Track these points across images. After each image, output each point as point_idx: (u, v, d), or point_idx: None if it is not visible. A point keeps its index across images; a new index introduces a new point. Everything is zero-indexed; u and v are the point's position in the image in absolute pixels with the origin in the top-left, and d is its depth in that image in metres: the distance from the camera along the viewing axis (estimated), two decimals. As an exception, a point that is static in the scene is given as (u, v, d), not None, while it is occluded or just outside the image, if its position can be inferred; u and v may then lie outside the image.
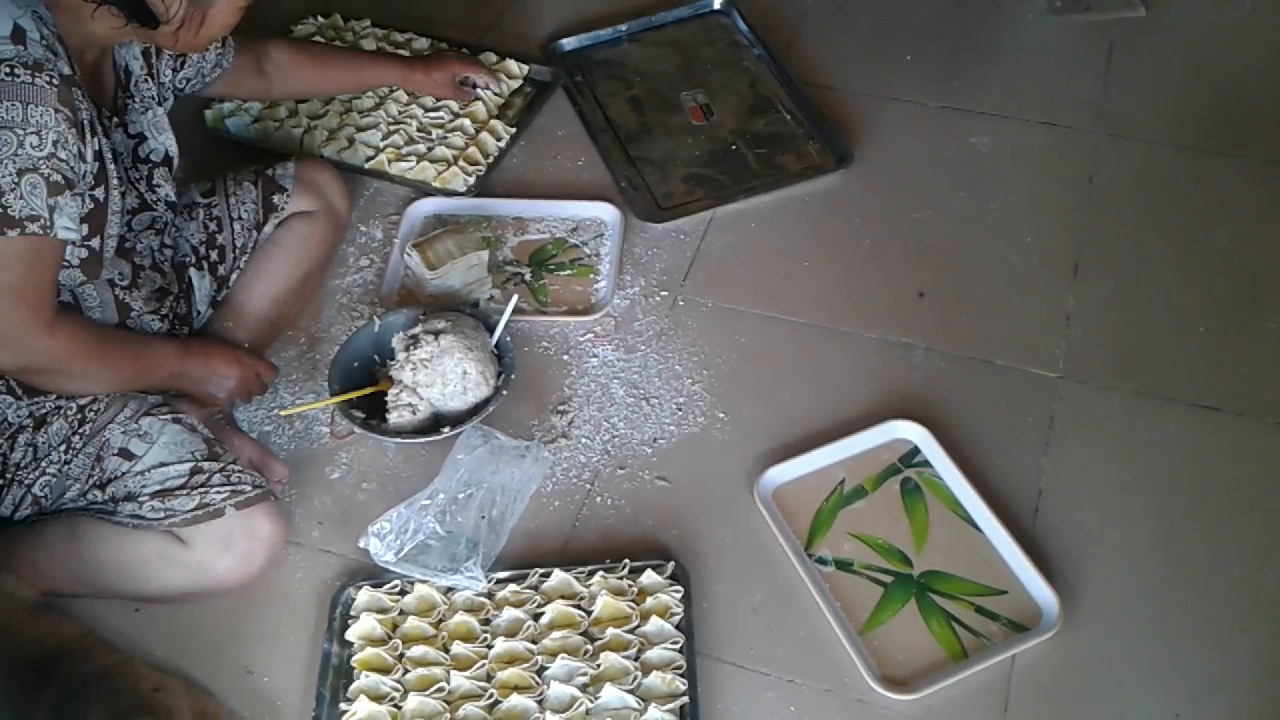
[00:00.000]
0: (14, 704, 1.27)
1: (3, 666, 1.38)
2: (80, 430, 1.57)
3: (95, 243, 1.53)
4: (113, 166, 1.53)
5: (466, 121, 2.26)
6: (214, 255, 1.85)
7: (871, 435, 1.75)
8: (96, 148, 1.48)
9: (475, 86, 2.29)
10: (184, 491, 1.53)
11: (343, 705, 1.48)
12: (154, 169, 1.67)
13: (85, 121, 1.45)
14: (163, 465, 1.55)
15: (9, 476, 1.57)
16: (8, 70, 1.36)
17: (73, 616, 1.55)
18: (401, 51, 2.41)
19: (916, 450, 1.74)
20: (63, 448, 1.56)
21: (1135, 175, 2.18)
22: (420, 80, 2.22)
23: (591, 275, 2.04)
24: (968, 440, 1.75)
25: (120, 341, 1.62)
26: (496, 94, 2.31)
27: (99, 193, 1.50)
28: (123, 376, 1.59)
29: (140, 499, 1.53)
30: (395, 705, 1.47)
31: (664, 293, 2.00)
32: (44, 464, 1.56)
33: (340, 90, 2.23)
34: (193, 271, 1.83)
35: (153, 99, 1.67)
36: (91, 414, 1.58)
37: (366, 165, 2.20)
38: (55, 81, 1.38)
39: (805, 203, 2.15)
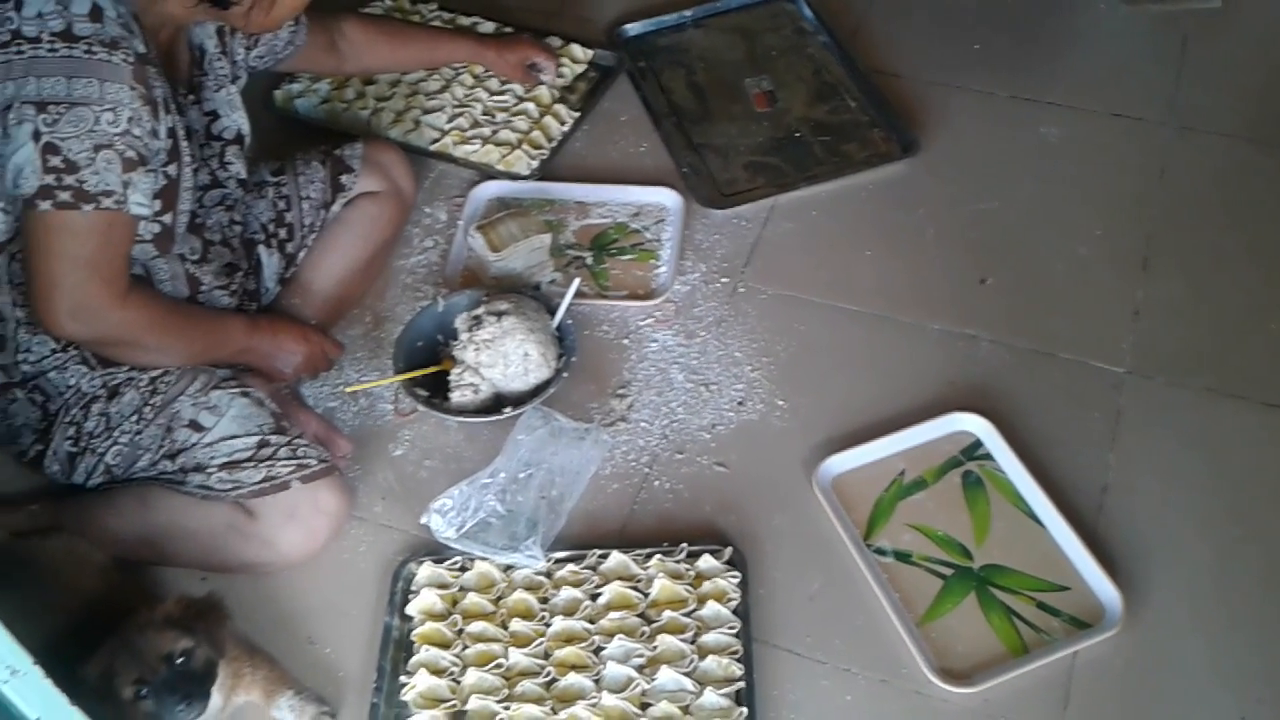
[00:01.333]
0: (77, 665, 1.30)
1: (71, 627, 1.41)
2: (152, 401, 1.60)
3: (168, 218, 1.55)
4: (185, 144, 1.55)
5: (531, 105, 2.27)
6: (282, 233, 1.88)
7: (932, 427, 1.74)
8: (170, 125, 1.51)
9: (540, 73, 2.29)
10: (251, 464, 1.56)
11: (402, 678, 1.50)
12: (226, 146, 1.69)
13: (159, 99, 1.47)
14: (231, 438, 1.57)
15: (83, 445, 1.60)
16: (85, 48, 1.38)
17: (140, 583, 1.58)
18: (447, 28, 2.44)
19: (979, 443, 1.72)
20: (134, 418, 1.60)
21: (1208, 169, 2.14)
22: (493, 59, 2.23)
23: (652, 260, 2.05)
24: (1031, 434, 1.73)
25: (190, 316, 1.65)
26: (552, 86, 2.30)
27: (171, 169, 1.53)
28: (192, 350, 1.62)
29: (209, 470, 1.56)
30: (454, 679, 1.49)
31: (724, 279, 2.00)
32: (116, 434, 1.60)
33: (413, 66, 2.25)
34: (261, 249, 1.85)
35: (226, 77, 1.69)
36: (163, 386, 1.61)
37: (432, 147, 2.22)
38: (131, 59, 1.41)
39: (869, 191, 2.13)
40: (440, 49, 2.20)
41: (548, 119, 2.25)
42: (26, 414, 1.61)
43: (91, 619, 1.43)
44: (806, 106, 2.30)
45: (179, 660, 1.32)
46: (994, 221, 2.07)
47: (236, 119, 1.71)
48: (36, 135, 1.38)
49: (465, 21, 2.46)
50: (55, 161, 1.39)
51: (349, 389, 1.85)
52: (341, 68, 2.04)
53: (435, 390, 1.79)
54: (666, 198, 2.12)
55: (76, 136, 1.39)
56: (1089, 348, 1.85)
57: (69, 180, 1.40)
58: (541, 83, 2.30)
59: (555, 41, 2.41)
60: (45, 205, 1.40)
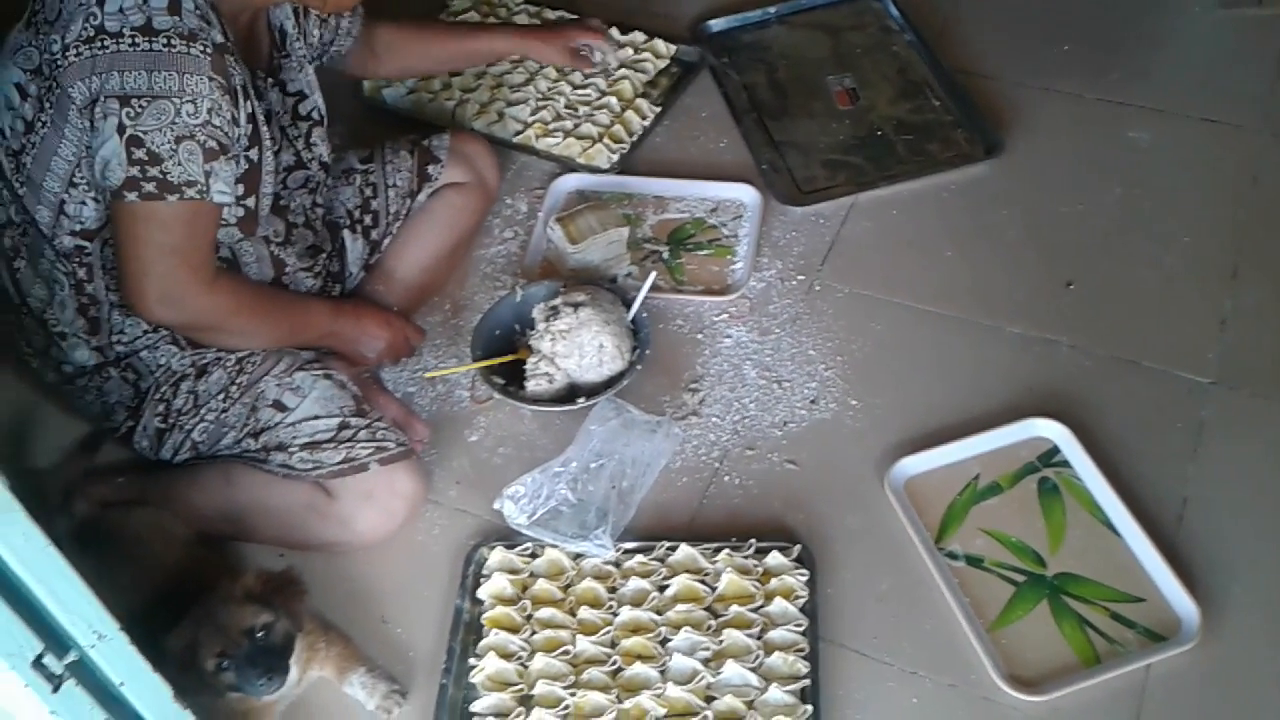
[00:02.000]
0: (159, 632, 1.34)
1: (155, 596, 1.46)
2: (238, 380, 1.64)
3: (251, 202, 1.59)
4: (265, 128, 1.58)
5: (613, 99, 2.28)
6: (368, 220, 1.91)
7: (1009, 432, 1.72)
8: (250, 110, 1.53)
9: (593, 53, 2.24)
10: (331, 445, 1.59)
11: (472, 660, 1.52)
12: (313, 127, 1.72)
13: (238, 87, 1.49)
14: (313, 419, 1.61)
15: (171, 422, 1.65)
16: (165, 41, 1.41)
17: (221, 556, 1.63)
18: (535, 23, 2.45)
19: (1056, 450, 1.70)
20: (221, 396, 1.64)
21: (1304, 178, 2.09)
22: (538, 48, 2.19)
23: (729, 256, 2.05)
24: (1110, 442, 1.70)
25: (276, 300, 1.69)
26: (610, 66, 2.27)
27: (253, 154, 1.56)
28: (277, 334, 1.66)
29: (290, 449, 1.60)
30: (522, 664, 1.51)
31: (800, 276, 2.00)
32: (203, 411, 1.64)
33: (450, 63, 2.20)
34: (346, 234, 1.89)
35: (305, 58, 1.72)
36: (249, 366, 1.65)
37: (514, 139, 2.24)
38: (209, 50, 1.43)
39: (951, 192, 2.11)
40: (478, 42, 2.15)
41: (629, 113, 2.26)
42: (119, 392, 1.66)
43: (173, 591, 1.48)
44: (889, 105, 2.28)
45: (259, 634, 1.36)
46: (1078, 226, 2.04)
47: (317, 99, 1.73)
48: (121, 129, 1.41)
49: (551, 15, 2.48)
50: (139, 154, 1.42)
51: (428, 375, 1.88)
52: (379, 70, 2.02)
53: (511, 379, 1.82)
54: (745, 194, 2.12)
55: (159, 129, 1.41)
56: (1173, 356, 1.82)
57: (153, 172, 1.43)
58: (595, 64, 2.25)
59: (638, 36, 2.42)
60: (132, 197, 1.44)
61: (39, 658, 1.08)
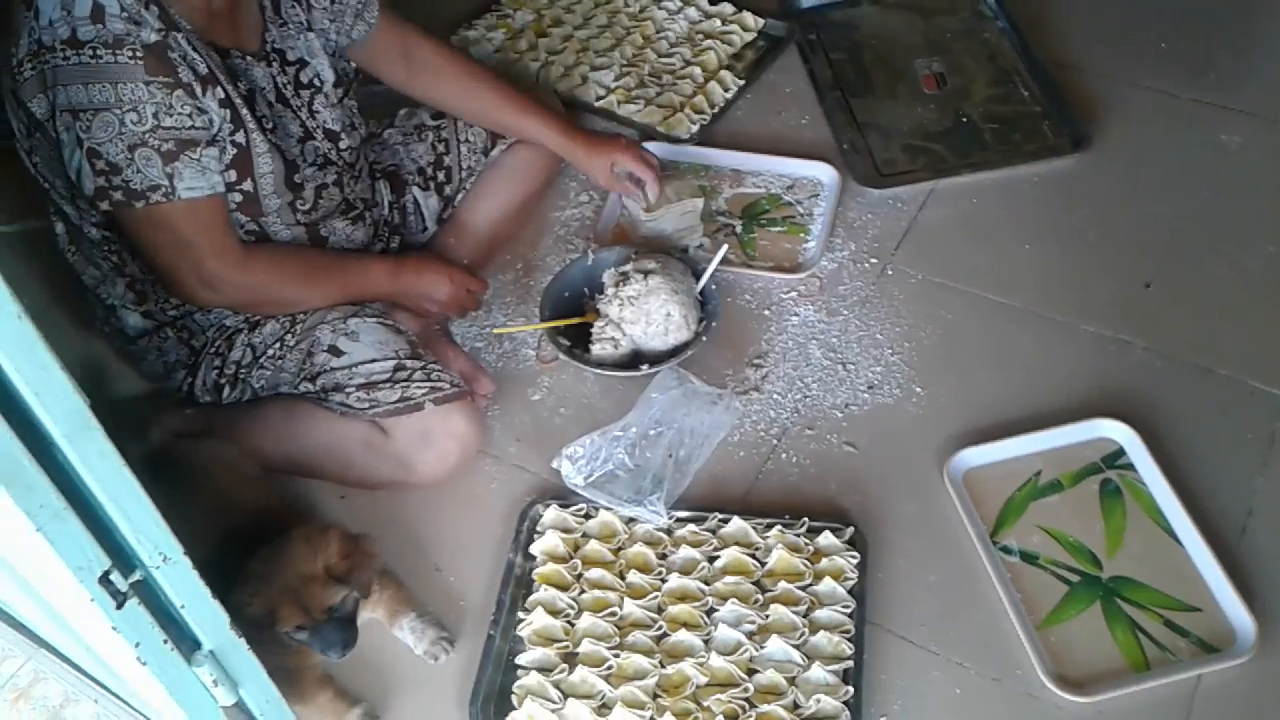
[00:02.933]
0: (228, 565, 1.37)
1: (221, 530, 1.49)
2: (293, 330, 1.67)
3: (248, 186, 1.57)
4: (246, 111, 1.53)
5: (697, 70, 2.28)
6: (440, 176, 1.93)
7: (1075, 430, 1.69)
8: (222, 96, 1.50)
9: (640, 187, 2.00)
10: (388, 385, 1.62)
11: (520, 614, 1.55)
12: (315, 95, 1.67)
13: (193, 79, 1.46)
14: (369, 361, 1.63)
15: (229, 373, 1.69)
16: (91, 52, 1.39)
17: (282, 492, 1.66)
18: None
19: (1121, 451, 1.68)
20: (277, 345, 1.67)
21: (1401, 192, 2.02)
22: (581, 158, 1.95)
23: (802, 234, 2.04)
24: (1178, 448, 1.67)
25: (327, 263, 1.69)
26: (649, 210, 2.02)
27: (239, 138, 1.53)
28: (333, 295, 1.67)
29: (347, 390, 1.62)
30: (569, 621, 1.53)
31: (873, 260, 1.98)
32: (261, 360, 1.68)
33: (481, 120, 1.94)
34: (416, 190, 1.91)
35: (303, 24, 1.66)
36: (302, 316, 1.68)
37: (596, 104, 2.25)
38: (139, 54, 1.40)
39: (1033, 184, 2.08)
40: (521, 120, 1.91)
41: (712, 85, 2.25)
42: (177, 351, 1.70)
43: (236, 523, 1.52)
44: (977, 92, 2.25)
45: (336, 608, 1.39)
46: (1162, 226, 2.00)
47: (318, 66, 1.68)
48: (79, 142, 1.42)
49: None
50: (100, 165, 1.43)
51: (496, 331, 1.90)
52: (407, 84, 1.87)
53: (577, 341, 1.83)
54: (823, 172, 2.11)
55: (109, 140, 1.41)
56: (1250, 366, 1.78)
57: (117, 180, 1.44)
58: (640, 201, 2.02)
59: (727, 8, 2.41)
60: (104, 205, 1.46)
61: (106, 574, 1.12)
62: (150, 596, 1.19)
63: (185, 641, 1.26)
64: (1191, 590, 1.53)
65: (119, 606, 1.15)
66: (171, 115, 1.44)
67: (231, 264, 1.55)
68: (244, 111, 1.54)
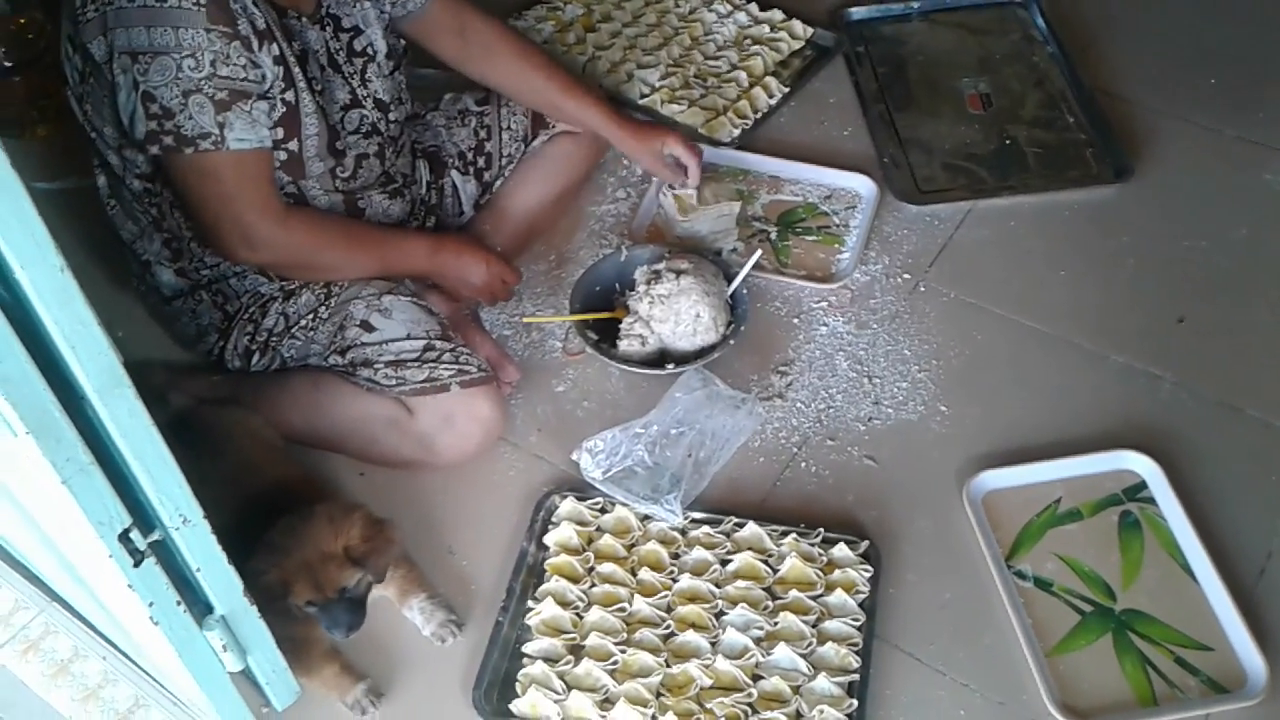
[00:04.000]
0: (245, 532, 1.39)
1: (241, 496, 1.51)
2: (327, 302, 1.68)
3: (293, 145, 1.58)
4: (298, 70, 1.55)
5: (743, 74, 2.27)
6: (480, 161, 1.94)
7: (1097, 460, 1.68)
8: (277, 53, 1.52)
9: (684, 172, 1.99)
10: (416, 364, 1.62)
11: (530, 602, 1.55)
12: (367, 64, 1.68)
13: (252, 32, 1.48)
14: (399, 339, 1.64)
15: (260, 340, 1.70)
16: None
17: (304, 464, 1.67)
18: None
19: (1143, 485, 1.66)
20: (310, 316, 1.68)
21: None
22: (630, 143, 1.94)
23: (837, 245, 2.03)
24: (1200, 486, 1.66)
25: (368, 233, 1.70)
26: (689, 198, 2.03)
27: (289, 96, 1.55)
28: (371, 265, 1.68)
29: (376, 366, 1.63)
30: (578, 613, 1.53)
31: (906, 275, 1.97)
32: (293, 330, 1.69)
33: (533, 101, 1.93)
34: (455, 174, 1.92)
35: None
36: (337, 289, 1.69)
37: (640, 101, 2.25)
38: (202, 2, 1.42)
39: (1073, 211, 2.07)
40: (573, 101, 1.90)
41: (757, 90, 2.25)
42: (210, 315, 1.71)
43: (257, 491, 1.53)
44: (1022, 115, 2.24)
45: (349, 589, 1.40)
46: (1200, 262, 1.98)
47: (373, 35, 1.68)
48: (135, 85, 1.44)
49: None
50: (154, 109, 1.45)
51: (525, 319, 1.91)
52: (463, 61, 1.86)
53: (604, 336, 1.83)
54: (862, 185, 2.10)
55: (165, 85, 1.43)
56: (1279, 408, 1.76)
57: (169, 125, 1.46)
58: (681, 188, 2.02)
59: (777, 15, 2.41)
60: (154, 149, 1.48)
61: (126, 532, 1.13)
62: (167, 557, 1.21)
63: (198, 605, 1.28)
64: (1205, 629, 1.52)
65: (136, 565, 1.16)
66: (228, 65, 1.46)
67: (272, 221, 1.56)
68: (296, 71, 1.55)
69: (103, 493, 1.09)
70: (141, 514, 1.15)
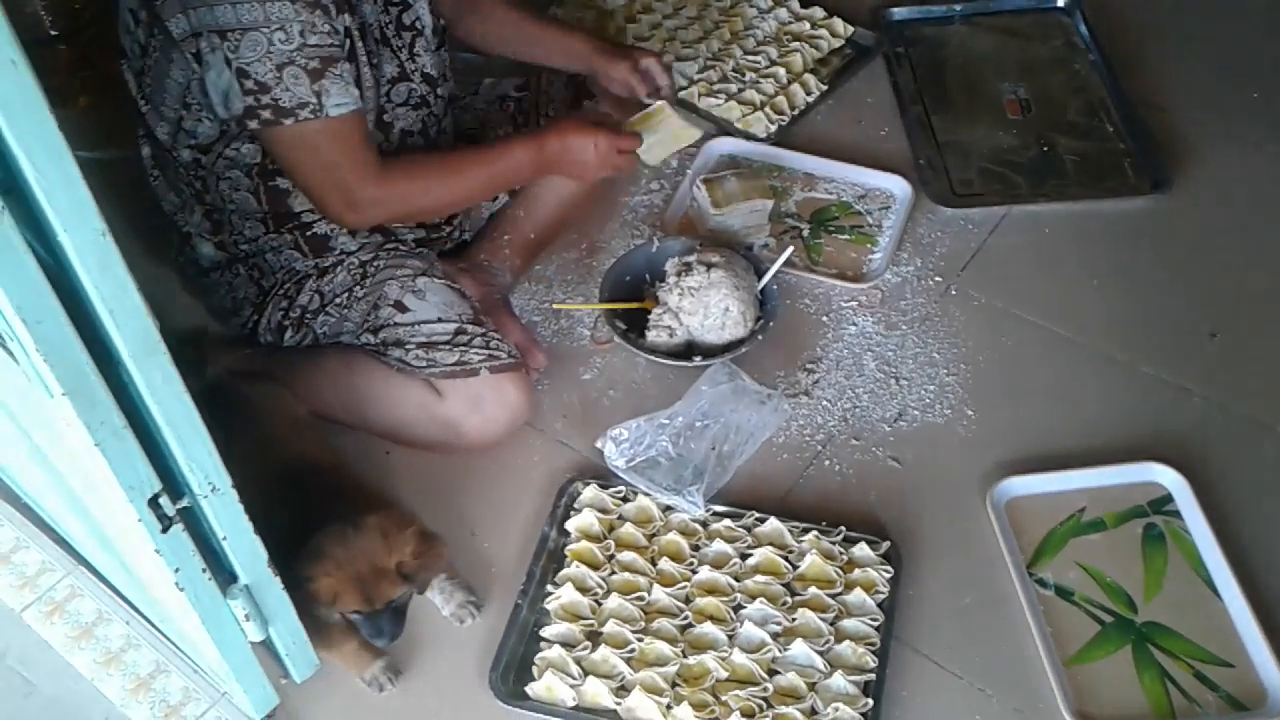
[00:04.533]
0: (268, 505, 1.39)
1: (267, 470, 1.51)
2: (362, 282, 1.69)
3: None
4: (360, 44, 1.58)
5: (781, 71, 2.27)
6: None
7: (1123, 471, 1.68)
8: (347, 23, 1.54)
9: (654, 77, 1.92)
10: (447, 347, 1.63)
11: (549, 587, 1.56)
12: (415, 38, 1.69)
13: (330, 1, 1.49)
14: (432, 321, 1.65)
15: (294, 316, 1.71)
16: None
17: (331, 440, 1.68)
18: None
19: (1169, 498, 1.65)
20: (345, 295, 1.69)
21: None
22: (603, 59, 1.90)
23: (869, 245, 2.03)
24: (1226, 501, 1.64)
25: (465, 163, 1.70)
26: (669, 96, 1.91)
27: (349, 68, 1.56)
28: (479, 193, 1.73)
29: (407, 346, 1.64)
30: (597, 600, 1.53)
31: (938, 278, 1.97)
32: (327, 307, 1.70)
33: (528, 48, 1.94)
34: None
35: None
36: (373, 269, 1.70)
37: (677, 94, 2.24)
38: None
39: (1108, 220, 2.05)
40: (560, 38, 1.92)
41: (795, 87, 2.25)
42: (245, 289, 1.73)
43: (285, 466, 1.54)
44: (1060, 122, 2.22)
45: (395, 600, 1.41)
46: (1234, 277, 1.96)
47: (420, 9, 1.69)
48: (228, 62, 1.46)
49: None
50: (250, 84, 1.47)
51: (555, 306, 1.92)
52: (469, 32, 1.90)
53: (632, 326, 1.84)
54: (896, 186, 2.10)
55: (258, 60, 1.45)
56: (1311, 428, 1.75)
57: (266, 99, 1.47)
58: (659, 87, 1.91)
59: (818, 12, 2.40)
60: (253, 124, 1.50)
61: (155, 497, 1.14)
62: (194, 525, 1.22)
63: (223, 573, 1.29)
64: (1226, 645, 1.51)
65: (164, 530, 1.17)
66: (315, 33, 1.47)
67: (371, 181, 1.57)
68: (359, 44, 1.57)
69: (134, 457, 1.10)
70: (171, 480, 1.16)
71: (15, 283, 0.93)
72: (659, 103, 1.83)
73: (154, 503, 1.14)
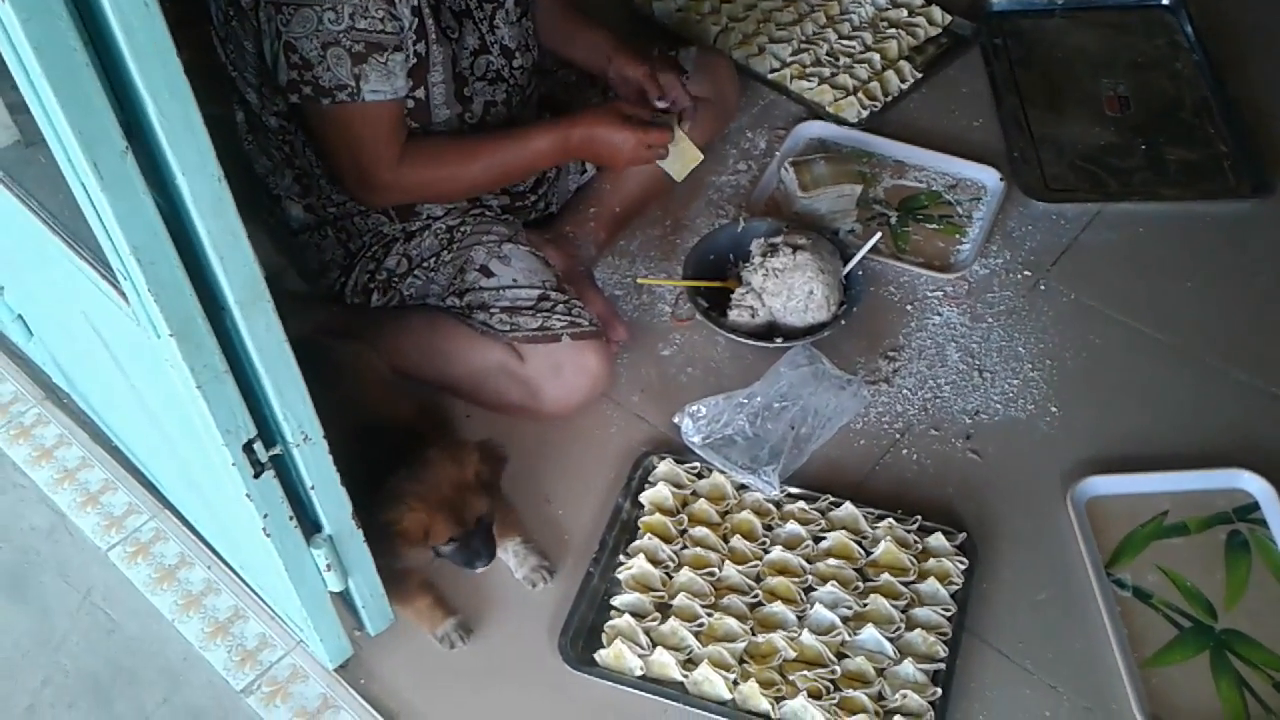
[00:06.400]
0: (350, 461, 1.42)
1: (351, 427, 1.54)
2: (450, 247, 1.71)
3: (420, 93, 1.61)
4: (431, 21, 1.57)
5: (876, 56, 2.25)
6: None
7: (1209, 476, 1.64)
8: (414, 3, 1.54)
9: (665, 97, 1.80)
10: (530, 312, 1.65)
11: (621, 557, 1.57)
12: (496, 9, 1.68)
13: None
14: (516, 286, 1.67)
15: (381, 279, 1.74)
16: None
17: (415, 398, 1.70)
18: None
19: (1255, 505, 1.62)
20: (432, 259, 1.72)
21: None
22: (620, 62, 1.82)
23: (957, 235, 2.01)
24: (1316, 513, 1.61)
25: (484, 149, 1.67)
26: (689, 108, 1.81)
27: (420, 47, 1.57)
28: (496, 179, 1.71)
29: (491, 310, 1.66)
30: (668, 573, 1.54)
31: (1027, 272, 1.94)
32: (415, 271, 1.72)
33: (563, 42, 1.89)
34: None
35: None
36: (459, 235, 1.72)
37: (769, 75, 2.24)
38: None
39: (1205, 222, 2.01)
40: (591, 32, 1.87)
41: (889, 73, 2.23)
42: (333, 251, 1.76)
43: (370, 424, 1.56)
44: (1160, 121, 2.17)
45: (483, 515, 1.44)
46: (1334, 287, 1.92)
47: None
48: (278, 34, 1.48)
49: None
50: (295, 59, 1.49)
51: (639, 280, 1.92)
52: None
53: (714, 304, 1.84)
54: (988, 177, 2.07)
55: (306, 36, 1.47)
56: None
57: (307, 76, 1.50)
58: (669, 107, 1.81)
59: (916, 0, 2.37)
60: (294, 97, 1.52)
61: (250, 442, 1.17)
62: (284, 472, 1.24)
63: (308, 522, 1.32)
64: (1308, 658, 1.48)
65: (256, 476, 1.20)
66: (366, 18, 1.48)
67: (388, 167, 1.59)
68: (429, 21, 1.58)
69: (233, 402, 1.12)
70: (266, 427, 1.18)
71: (134, 224, 0.96)
72: (668, 119, 1.76)
73: (248, 448, 1.17)
